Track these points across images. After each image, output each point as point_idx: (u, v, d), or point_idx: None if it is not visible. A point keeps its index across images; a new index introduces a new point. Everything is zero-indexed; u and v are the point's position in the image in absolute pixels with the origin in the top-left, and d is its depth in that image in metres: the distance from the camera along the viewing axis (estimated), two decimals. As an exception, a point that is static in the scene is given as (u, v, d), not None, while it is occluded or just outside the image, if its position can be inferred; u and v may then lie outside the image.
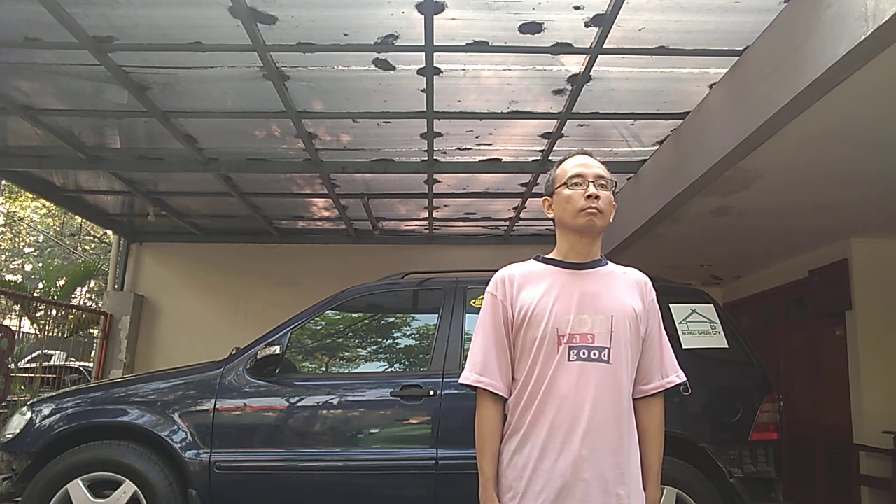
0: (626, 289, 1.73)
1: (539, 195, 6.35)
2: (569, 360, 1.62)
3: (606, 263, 1.78)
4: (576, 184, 1.72)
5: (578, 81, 4.14)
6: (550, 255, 1.78)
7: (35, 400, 3.93)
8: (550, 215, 1.80)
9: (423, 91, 4.33)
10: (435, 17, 3.52)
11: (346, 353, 4.18)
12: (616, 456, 1.60)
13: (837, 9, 2.78)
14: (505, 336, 1.72)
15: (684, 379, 1.74)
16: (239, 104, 4.69)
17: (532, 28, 3.62)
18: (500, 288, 1.74)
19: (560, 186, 1.75)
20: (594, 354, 1.62)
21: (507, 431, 1.73)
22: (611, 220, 1.76)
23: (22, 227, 19.05)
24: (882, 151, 3.84)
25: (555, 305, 1.66)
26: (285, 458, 3.53)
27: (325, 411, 3.67)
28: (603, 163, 1.82)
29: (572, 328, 1.63)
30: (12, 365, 6.02)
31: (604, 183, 1.72)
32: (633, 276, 1.78)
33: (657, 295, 1.81)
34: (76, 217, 13.67)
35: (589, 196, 1.68)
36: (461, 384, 1.78)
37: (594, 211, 1.68)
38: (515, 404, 1.71)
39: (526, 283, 1.71)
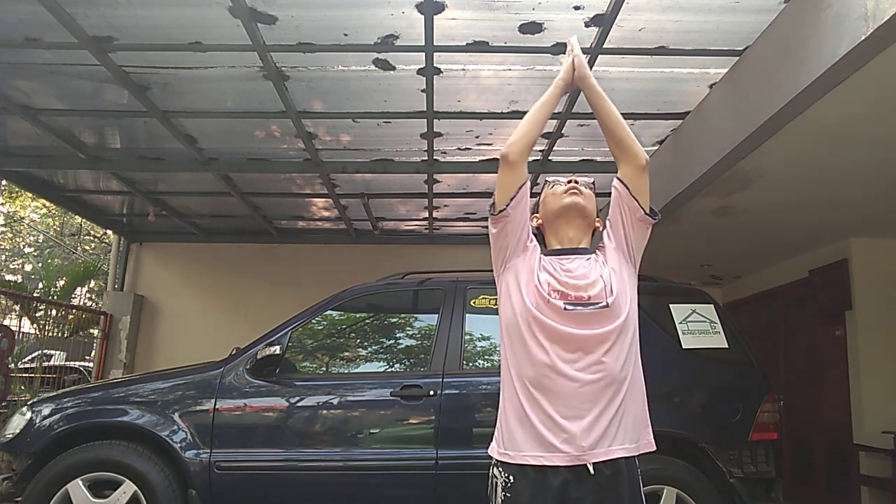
0: (603, 257, 1.86)
1: (538, 195, 6.34)
2: (565, 309, 1.71)
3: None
4: (556, 183, 1.95)
5: (578, 81, 4.14)
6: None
7: (35, 400, 3.93)
8: (537, 223, 1.94)
9: (423, 91, 4.33)
10: (435, 17, 3.52)
11: (347, 353, 4.18)
12: (610, 408, 1.67)
13: (837, 9, 2.79)
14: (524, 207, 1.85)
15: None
16: (239, 104, 4.69)
17: (532, 28, 3.62)
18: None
19: (546, 192, 1.95)
20: (592, 305, 1.72)
21: (504, 385, 1.79)
22: (596, 221, 1.92)
23: (22, 227, 19.05)
24: (882, 151, 3.84)
25: (548, 277, 1.76)
26: (285, 458, 3.53)
27: (325, 411, 3.67)
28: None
29: (566, 288, 1.74)
30: (12, 365, 6.02)
31: (585, 183, 1.93)
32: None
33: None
34: (76, 217, 13.66)
35: (569, 181, 1.89)
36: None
37: (576, 190, 1.87)
38: (511, 385, 1.75)
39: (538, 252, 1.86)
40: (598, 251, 1.89)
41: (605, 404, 1.65)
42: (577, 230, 1.85)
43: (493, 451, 1.73)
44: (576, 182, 1.88)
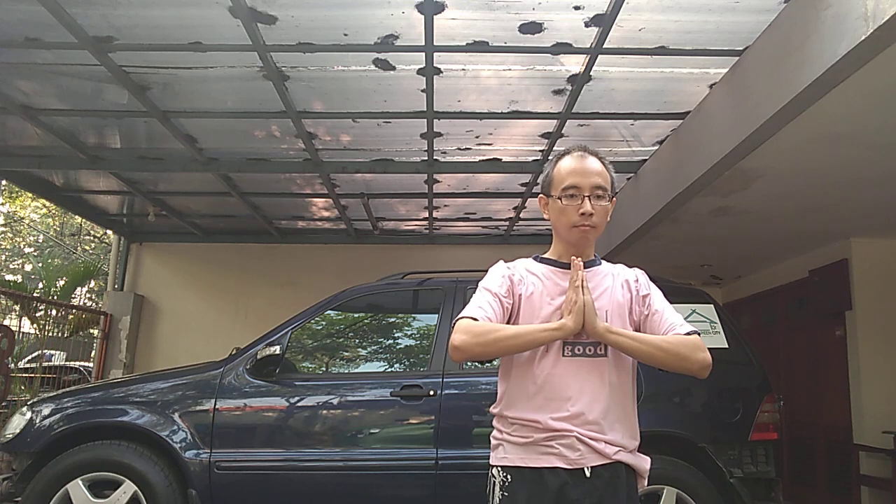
0: (617, 287, 1.76)
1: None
2: (563, 355, 1.66)
3: (600, 263, 1.80)
4: (571, 196, 1.70)
5: (578, 81, 4.14)
6: (547, 255, 1.81)
7: (35, 400, 3.93)
8: (546, 216, 1.81)
9: (423, 91, 4.33)
10: (435, 17, 3.52)
11: (346, 353, 4.18)
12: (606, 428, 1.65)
13: (837, 9, 2.78)
14: (503, 303, 1.71)
15: (694, 329, 1.71)
16: (239, 104, 4.69)
17: (532, 28, 3.62)
18: (510, 269, 1.78)
19: (556, 194, 1.74)
20: (589, 350, 1.67)
21: (499, 420, 1.74)
22: (607, 218, 1.78)
23: (22, 227, 19.05)
24: (882, 151, 3.84)
25: (548, 305, 1.70)
26: (285, 458, 3.53)
27: (325, 411, 3.67)
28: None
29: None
30: (12, 365, 6.02)
31: (600, 193, 1.71)
32: (624, 275, 1.80)
33: None
34: (76, 217, 13.66)
35: (583, 213, 1.69)
36: (457, 319, 1.69)
37: (587, 228, 1.71)
38: (508, 397, 1.72)
39: (526, 278, 1.75)
40: (612, 274, 1.78)
41: (606, 423, 1.65)
42: (584, 248, 1.77)
43: (492, 455, 1.73)
44: (591, 214, 1.69)
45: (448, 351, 1.67)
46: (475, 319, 1.65)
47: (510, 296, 1.72)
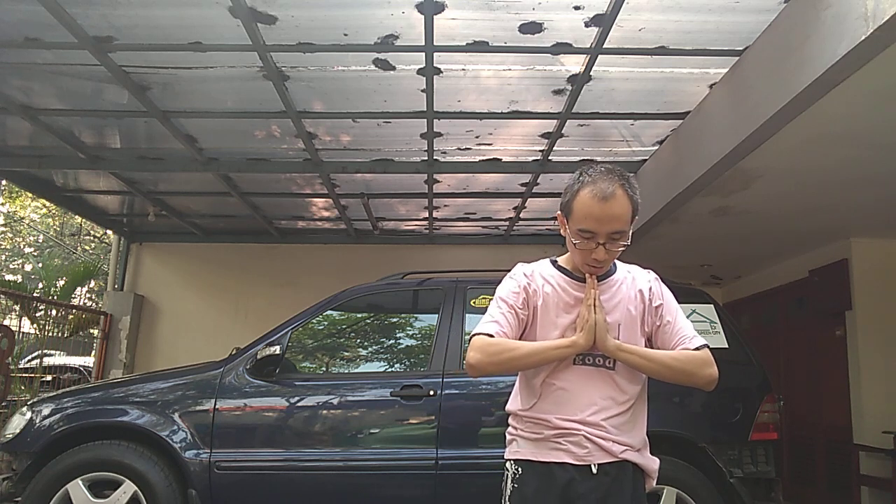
0: (631, 297, 1.78)
1: (539, 195, 6.37)
2: (574, 363, 1.71)
3: (615, 270, 1.81)
4: (586, 239, 1.67)
5: (578, 81, 4.14)
6: (563, 263, 1.83)
7: (35, 400, 3.93)
8: (563, 233, 1.77)
9: (423, 91, 4.33)
10: (435, 17, 3.52)
11: (346, 353, 4.18)
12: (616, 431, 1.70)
13: (837, 9, 2.79)
14: (519, 315, 1.74)
15: (703, 342, 1.74)
16: (239, 104, 4.69)
17: (532, 28, 3.62)
18: (527, 277, 1.79)
19: (571, 226, 1.70)
20: (599, 361, 1.71)
21: (513, 417, 1.81)
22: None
23: (22, 227, 19.05)
24: (882, 152, 3.84)
25: (563, 316, 1.73)
26: (285, 458, 3.53)
27: (325, 411, 3.67)
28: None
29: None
30: (12, 365, 6.01)
31: (617, 237, 1.66)
32: (638, 283, 1.81)
33: None
34: (76, 217, 13.66)
35: (595, 259, 1.68)
36: (473, 334, 1.72)
37: (597, 268, 1.72)
38: (522, 397, 1.78)
39: (542, 288, 1.77)
40: (625, 283, 1.79)
41: (612, 425, 1.70)
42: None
43: (506, 450, 1.80)
44: (601, 262, 1.69)
45: (464, 368, 1.72)
46: (490, 335, 1.69)
47: (526, 307, 1.75)
